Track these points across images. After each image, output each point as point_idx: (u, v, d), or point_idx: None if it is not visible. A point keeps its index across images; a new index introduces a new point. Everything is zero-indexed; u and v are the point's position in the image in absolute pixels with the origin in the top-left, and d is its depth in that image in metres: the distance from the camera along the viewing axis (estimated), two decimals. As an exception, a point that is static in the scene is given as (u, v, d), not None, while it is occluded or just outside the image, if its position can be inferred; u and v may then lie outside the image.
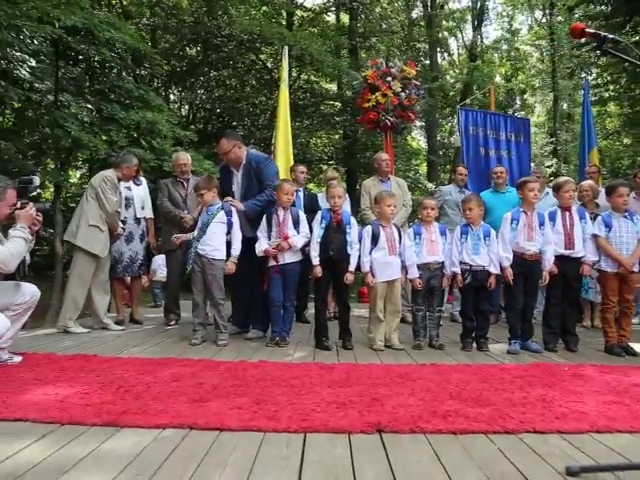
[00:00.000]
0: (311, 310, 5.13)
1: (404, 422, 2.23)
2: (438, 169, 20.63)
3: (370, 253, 4.18)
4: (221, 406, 2.42)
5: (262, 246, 4.24)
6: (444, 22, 22.30)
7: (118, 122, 8.68)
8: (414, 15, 21.59)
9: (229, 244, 4.25)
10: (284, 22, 17.08)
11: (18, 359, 3.33)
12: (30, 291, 3.36)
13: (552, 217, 4.26)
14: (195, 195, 4.46)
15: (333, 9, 18.95)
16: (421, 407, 2.45)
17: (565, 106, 22.02)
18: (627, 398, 2.67)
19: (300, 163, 6.49)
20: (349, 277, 4.16)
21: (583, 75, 16.61)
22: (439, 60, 22.39)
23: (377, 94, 6.63)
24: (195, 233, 4.25)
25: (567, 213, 4.25)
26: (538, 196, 4.29)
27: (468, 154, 7.24)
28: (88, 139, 7.98)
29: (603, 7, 12.00)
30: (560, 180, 4.46)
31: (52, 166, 10.86)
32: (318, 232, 4.17)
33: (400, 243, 4.24)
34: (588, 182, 5.49)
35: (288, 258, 4.27)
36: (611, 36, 1.88)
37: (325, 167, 16.18)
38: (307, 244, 4.27)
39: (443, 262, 4.28)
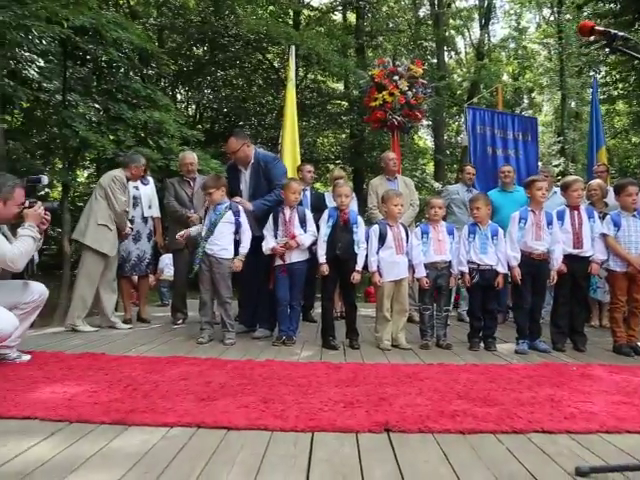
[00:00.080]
0: (318, 309, 5.13)
1: (412, 422, 2.23)
2: (445, 168, 20.55)
3: (377, 252, 4.17)
4: (228, 405, 2.42)
5: (269, 244, 4.24)
6: (451, 20, 22.23)
7: (125, 122, 8.72)
8: (421, 14, 21.53)
9: (237, 243, 4.25)
10: (291, 22, 17.08)
11: (27, 357, 3.35)
12: (38, 290, 3.38)
13: (560, 216, 4.24)
14: (203, 194, 4.46)
15: (340, 8, 18.93)
16: (429, 407, 2.45)
17: (573, 105, 21.88)
18: (636, 398, 2.65)
19: (307, 162, 6.49)
20: (356, 276, 4.16)
21: (591, 73, 16.50)
22: (446, 59, 22.31)
23: (384, 93, 6.62)
24: (203, 233, 4.26)
25: (575, 212, 4.23)
26: (546, 195, 4.27)
27: (475, 153, 7.21)
28: (96, 139, 8.01)
29: (612, 5, 11.93)
30: (569, 179, 4.43)
31: (60, 166, 10.92)
32: (325, 231, 4.17)
33: (407, 242, 4.23)
34: (597, 181, 5.46)
35: (295, 257, 4.27)
36: (621, 33, 1.86)
37: (332, 166, 16.17)
38: (314, 243, 4.26)
39: (450, 261, 4.27)
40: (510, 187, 5.80)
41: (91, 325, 4.80)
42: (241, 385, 2.78)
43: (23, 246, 3.12)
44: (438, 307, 4.32)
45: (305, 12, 17.92)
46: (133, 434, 2.10)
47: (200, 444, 2.00)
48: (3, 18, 6.29)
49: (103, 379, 2.88)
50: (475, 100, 14.70)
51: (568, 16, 20.03)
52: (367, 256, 4.17)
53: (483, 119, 7.35)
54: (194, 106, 17.83)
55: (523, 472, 1.81)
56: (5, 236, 3.22)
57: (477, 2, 22.65)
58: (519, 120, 7.84)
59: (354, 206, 4.97)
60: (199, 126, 15.60)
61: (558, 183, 5.71)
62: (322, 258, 4.14)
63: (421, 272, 4.21)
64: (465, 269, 4.21)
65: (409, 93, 6.64)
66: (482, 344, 4.22)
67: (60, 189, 10.85)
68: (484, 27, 22.58)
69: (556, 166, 18.06)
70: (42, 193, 3.53)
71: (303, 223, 4.29)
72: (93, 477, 1.71)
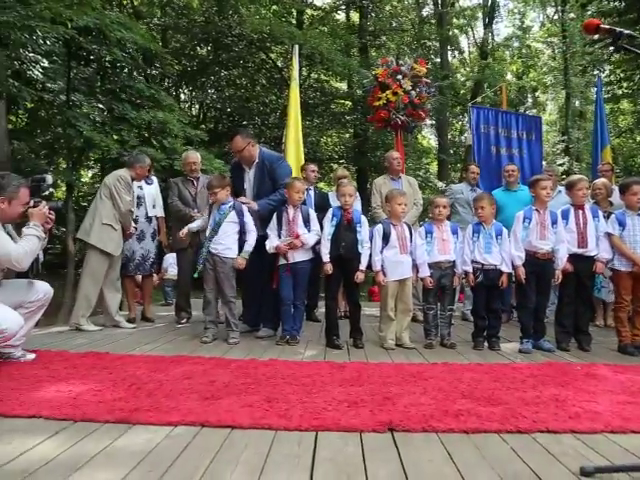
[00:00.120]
0: (321, 309, 5.13)
1: (416, 421, 2.22)
2: (449, 168, 20.54)
3: (381, 252, 4.17)
4: (232, 404, 2.42)
5: (273, 242, 4.24)
6: (455, 20, 22.19)
7: (129, 122, 8.75)
8: (424, 13, 21.52)
9: (241, 242, 4.25)
10: (294, 21, 17.11)
11: (31, 356, 3.35)
12: (43, 289, 3.39)
13: (565, 215, 4.22)
14: (207, 193, 4.45)
15: (343, 7, 18.96)
16: (433, 406, 2.44)
17: (577, 104, 21.84)
18: (642, 398, 2.64)
19: (311, 162, 6.49)
20: (360, 276, 4.15)
21: (596, 72, 16.44)
22: (450, 58, 22.29)
23: (387, 92, 6.61)
24: (207, 232, 4.27)
25: (580, 211, 4.22)
26: (551, 194, 4.25)
27: (479, 152, 7.21)
28: (100, 139, 8.05)
29: (616, 3, 11.89)
30: (573, 178, 4.42)
31: (64, 165, 10.97)
32: (329, 230, 4.17)
33: (411, 242, 4.23)
34: (601, 180, 5.44)
35: (298, 257, 4.27)
36: (627, 32, 1.85)
37: (335, 166, 16.16)
38: (318, 242, 4.26)
39: (454, 261, 4.26)
40: (514, 186, 5.78)
41: (95, 324, 4.82)
42: (245, 384, 2.78)
43: (28, 245, 3.13)
44: (442, 306, 4.31)
45: (308, 11, 17.94)
46: (137, 433, 2.10)
47: (204, 443, 2.00)
48: (8, 19, 6.32)
49: (107, 378, 2.88)
50: (479, 99, 14.70)
51: (572, 15, 19.98)
52: (371, 255, 4.17)
53: (487, 118, 7.34)
54: (198, 106, 17.87)
55: (527, 472, 1.80)
56: (10, 235, 3.23)
57: (481, 1, 22.64)
58: (523, 119, 7.83)
59: (358, 205, 4.97)
60: (203, 126, 15.64)
61: (562, 182, 5.70)
62: (326, 257, 4.14)
63: (425, 272, 4.20)
64: (469, 268, 4.20)
65: (413, 92, 6.63)
66: (486, 343, 4.21)
67: (64, 189, 10.88)
68: (488, 26, 22.56)
69: (560, 165, 18.00)
70: (46, 193, 3.52)
71: (307, 222, 4.29)
72: (97, 475, 1.71)
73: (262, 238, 4.31)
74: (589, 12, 14.18)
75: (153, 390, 2.64)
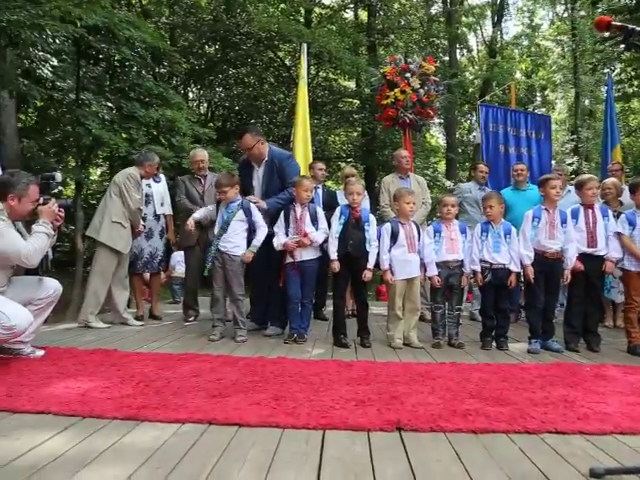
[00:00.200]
0: (329, 307, 5.12)
1: (424, 421, 2.22)
2: (457, 167, 20.45)
3: (389, 250, 4.16)
4: (240, 402, 2.42)
5: (281, 240, 4.23)
6: (463, 18, 22.07)
7: (138, 120, 8.78)
8: (433, 11, 21.42)
9: (250, 240, 4.25)
10: (302, 19, 17.10)
11: (40, 353, 3.38)
12: (53, 286, 3.41)
13: (575, 215, 4.19)
14: (216, 192, 4.44)
15: (351, 6, 18.92)
16: (441, 406, 2.43)
17: (587, 102, 21.68)
18: (652, 399, 2.61)
19: (319, 160, 6.50)
20: (367, 274, 4.14)
21: (606, 70, 16.31)
22: (458, 56, 22.18)
23: (396, 91, 6.59)
24: (215, 231, 4.27)
25: (590, 211, 4.19)
26: (560, 193, 4.22)
27: (488, 151, 7.17)
28: (108, 137, 8.08)
29: (627, 0, 11.78)
30: (583, 177, 4.39)
31: (73, 164, 11.02)
32: (337, 228, 4.16)
33: (419, 241, 4.21)
34: (611, 180, 5.39)
35: (306, 255, 4.27)
36: (639, 29, 1.83)
37: (343, 164, 16.15)
38: (326, 240, 4.26)
39: (462, 260, 4.24)
40: (523, 185, 5.75)
41: (104, 321, 4.84)
42: (252, 382, 2.79)
43: (37, 242, 3.15)
44: (450, 306, 4.29)
45: (317, 10, 17.92)
46: (145, 430, 2.11)
47: (211, 441, 2.01)
48: (18, 18, 6.35)
49: (115, 375, 2.89)
50: (488, 98, 14.62)
51: (582, 12, 19.83)
52: (379, 254, 4.16)
53: (496, 117, 7.30)
54: (206, 104, 17.92)
55: (536, 472, 1.79)
56: (20, 233, 3.25)
57: (490, -1, 22.51)
58: (532, 118, 7.78)
59: (366, 204, 4.96)
60: (211, 124, 15.67)
61: (572, 182, 5.66)
62: (333, 255, 4.13)
63: (433, 271, 4.18)
64: (477, 268, 4.18)
65: (421, 91, 6.60)
66: (494, 343, 4.19)
67: (73, 187, 10.93)
68: (497, 24, 22.44)
69: (570, 164, 17.89)
70: (56, 191, 3.54)
71: (314, 221, 4.28)
72: (106, 472, 1.72)
73: (269, 236, 4.32)
74: (599, 10, 14.08)
75: (161, 387, 2.65)
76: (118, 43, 8.43)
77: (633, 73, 14.13)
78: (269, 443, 1.98)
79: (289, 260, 4.28)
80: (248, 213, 4.23)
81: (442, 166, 21.65)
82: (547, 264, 4.08)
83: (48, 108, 10.02)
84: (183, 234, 5.38)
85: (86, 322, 4.72)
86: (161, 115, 9.02)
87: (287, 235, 4.26)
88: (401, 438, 2.08)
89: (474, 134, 16.55)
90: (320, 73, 17.36)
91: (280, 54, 16.91)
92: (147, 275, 5.75)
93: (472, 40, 25.03)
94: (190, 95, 17.44)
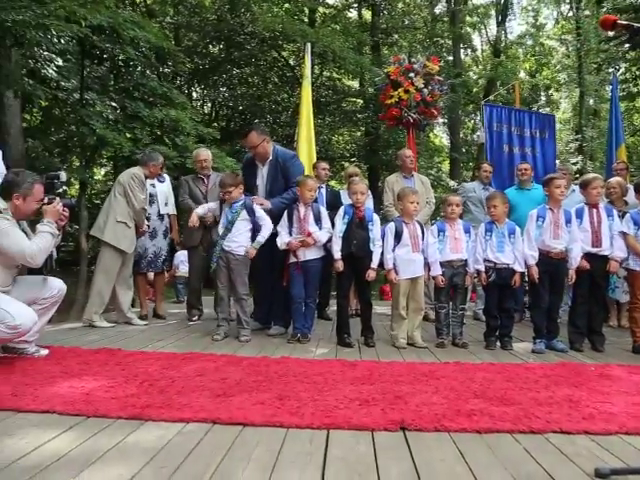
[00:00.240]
0: (333, 307, 5.12)
1: (428, 420, 2.21)
2: (461, 166, 20.42)
3: (393, 250, 4.15)
4: (244, 401, 2.42)
5: (284, 239, 4.23)
6: (467, 17, 22.05)
7: (142, 120, 8.80)
8: (437, 11, 21.39)
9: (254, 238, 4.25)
10: (306, 19, 17.08)
11: (45, 352, 3.38)
12: (57, 285, 3.41)
13: (579, 214, 4.18)
14: (220, 192, 4.42)
15: (355, 5, 18.92)
16: (445, 405, 2.43)
17: (591, 102, 21.60)
18: (657, 399, 2.60)
19: (322, 160, 6.48)
20: (371, 274, 4.14)
21: (611, 70, 16.24)
22: (462, 56, 22.14)
23: (399, 90, 6.57)
24: (220, 231, 4.27)
25: (594, 210, 4.17)
26: (565, 193, 4.21)
27: (492, 151, 7.16)
28: (113, 137, 8.10)
29: None
30: (588, 177, 4.37)
31: (77, 163, 11.07)
32: (340, 227, 4.16)
33: (423, 240, 4.21)
34: (616, 179, 5.37)
35: (309, 255, 4.27)
36: (645, 27, 1.82)
37: (347, 164, 16.15)
38: (329, 240, 4.25)
39: (466, 260, 4.23)
40: (527, 185, 5.73)
41: (108, 321, 4.85)
42: (257, 382, 2.79)
43: (42, 242, 3.15)
44: (454, 305, 4.29)
45: (320, 10, 17.90)
46: (149, 429, 2.11)
47: (216, 440, 2.01)
48: (23, 17, 6.37)
49: (120, 374, 2.90)
50: (492, 97, 14.60)
51: (587, 12, 19.76)
52: (382, 254, 4.16)
53: (500, 116, 7.28)
54: (210, 104, 17.94)
55: (541, 472, 1.78)
56: (25, 232, 3.25)
57: (494, -2, 22.46)
58: (536, 117, 7.77)
59: (370, 204, 4.95)
60: (215, 124, 15.69)
61: (576, 181, 5.64)
62: (337, 254, 4.13)
63: (437, 270, 4.18)
64: (481, 267, 4.17)
65: (425, 90, 6.59)
66: (498, 343, 4.18)
67: (77, 187, 10.98)
68: (501, 24, 22.40)
69: (574, 164, 17.82)
70: (60, 190, 3.55)
71: (318, 220, 4.28)
72: (110, 471, 1.72)
73: (273, 236, 4.32)
74: (604, 9, 14.01)
75: (165, 387, 2.65)
76: (122, 43, 8.45)
77: (638, 72, 14.04)
78: (273, 443, 1.98)
79: (293, 260, 4.27)
80: (251, 212, 4.23)
81: (446, 166, 21.61)
82: (551, 264, 4.07)
83: (52, 108, 10.05)
84: (187, 234, 5.40)
85: (90, 321, 4.73)
86: (165, 115, 9.04)
87: (290, 235, 4.26)
88: (405, 438, 2.08)
89: (478, 134, 16.54)
90: (324, 73, 17.36)
91: (284, 54, 16.92)
92: (151, 275, 5.77)
93: (476, 40, 25.05)
94: (194, 95, 17.46)
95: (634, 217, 4.15)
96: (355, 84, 18.65)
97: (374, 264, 4.12)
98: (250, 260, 4.25)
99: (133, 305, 5.42)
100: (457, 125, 20.34)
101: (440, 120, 18.04)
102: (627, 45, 12.11)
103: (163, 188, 5.50)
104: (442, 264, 4.19)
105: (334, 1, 18.63)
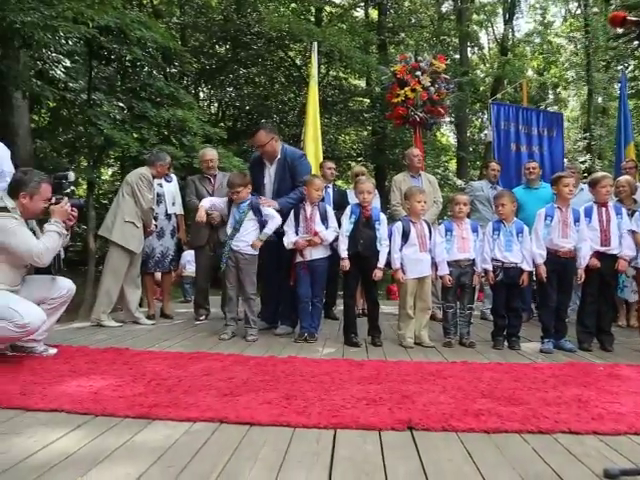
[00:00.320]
0: (340, 307, 5.11)
1: (435, 420, 2.20)
2: (468, 165, 20.34)
3: (400, 249, 4.14)
4: (251, 401, 2.42)
5: (291, 238, 4.23)
6: (474, 15, 21.95)
7: (149, 120, 8.83)
8: (444, 9, 21.32)
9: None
10: (313, 18, 17.08)
11: (53, 351, 3.40)
12: (66, 285, 3.43)
13: (588, 213, 4.15)
14: (227, 192, 4.41)
15: (362, 4, 18.89)
16: (452, 405, 2.42)
17: (600, 100, 21.44)
18: (667, 399, 2.58)
19: (329, 160, 6.48)
20: (378, 274, 4.13)
21: (619, 67, 16.12)
22: (469, 54, 22.05)
23: (406, 89, 6.56)
24: (228, 231, 4.27)
25: (603, 209, 4.14)
26: (573, 192, 4.18)
27: (499, 150, 7.13)
28: (120, 137, 8.13)
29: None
30: (597, 175, 4.34)
31: (85, 164, 11.13)
32: (347, 226, 4.15)
33: (430, 239, 4.19)
34: (625, 177, 5.31)
35: (315, 254, 4.27)
36: (654, 24, 1.81)
37: (354, 164, 16.12)
38: (336, 239, 4.25)
39: (474, 259, 4.21)
40: (535, 184, 5.70)
41: (116, 320, 4.87)
42: (264, 381, 2.79)
43: (49, 242, 3.17)
44: (461, 305, 4.27)
45: (327, 9, 17.88)
46: (157, 428, 2.12)
47: (223, 439, 2.01)
48: (32, 19, 6.41)
49: (127, 373, 2.91)
50: (499, 96, 14.52)
51: (595, 9, 19.63)
52: (389, 253, 4.15)
53: (507, 115, 7.25)
54: (216, 104, 17.97)
55: (549, 472, 1.77)
56: (33, 231, 3.27)
57: (501, -4, 22.35)
58: (544, 116, 7.73)
59: (377, 203, 4.94)
60: (221, 124, 15.72)
61: (585, 180, 5.60)
62: (344, 253, 4.12)
63: (444, 270, 4.16)
64: (489, 267, 4.15)
65: (432, 89, 6.56)
66: (506, 343, 4.16)
67: (85, 187, 11.03)
68: (508, 22, 22.29)
69: (582, 162, 17.71)
70: (68, 190, 3.57)
71: (324, 219, 4.27)
72: (118, 470, 1.72)
73: (279, 235, 4.31)
74: (612, 6, 13.92)
75: (172, 386, 2.66)
76: (129, 43, 8.49)
77: (647, 70, 13.96)
78: (280, 442, 1.98)
79: (299, 259, 4.27)
80: (257, 212, 4.23)
81: (453, 165, 21.53)
82: (560, 263, 4.04)
83: (60, 108, 10.11)
84: (194, 234, 5.41)
85: (98, 321, 4.76)
86: (172, 115, 9.06)
87: (297, 234, 4.26)
88: (412, 437, 2.07)
89: (485, 132, 16.48)
90: (330, 72, 17.34)
91: (291, 53, 16.91)
92: (158, 274, 5.78)
93: (483, 38, 24.94)
94: (201, 95, 17.50)
95: (643, 216, 4.12)
96: (362, 83, 18.63)
97: (381, 264, 4.12)
98: (258, 259, 4.26)
99: (141, 305, 5.43)
100: (464, 124, 20.25)
101: (447, 119, 17.98)
102: (636, 42, 12.04)
103: (170, 188, 5.51)
104: (449, 263, 4.17)
105: (340, 0, 18.62)
